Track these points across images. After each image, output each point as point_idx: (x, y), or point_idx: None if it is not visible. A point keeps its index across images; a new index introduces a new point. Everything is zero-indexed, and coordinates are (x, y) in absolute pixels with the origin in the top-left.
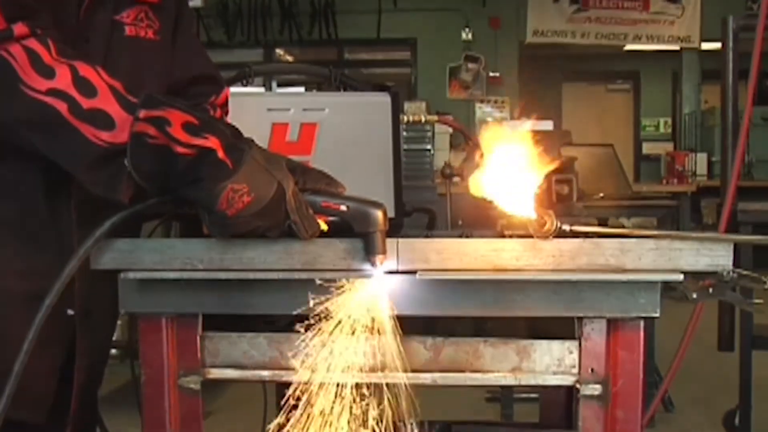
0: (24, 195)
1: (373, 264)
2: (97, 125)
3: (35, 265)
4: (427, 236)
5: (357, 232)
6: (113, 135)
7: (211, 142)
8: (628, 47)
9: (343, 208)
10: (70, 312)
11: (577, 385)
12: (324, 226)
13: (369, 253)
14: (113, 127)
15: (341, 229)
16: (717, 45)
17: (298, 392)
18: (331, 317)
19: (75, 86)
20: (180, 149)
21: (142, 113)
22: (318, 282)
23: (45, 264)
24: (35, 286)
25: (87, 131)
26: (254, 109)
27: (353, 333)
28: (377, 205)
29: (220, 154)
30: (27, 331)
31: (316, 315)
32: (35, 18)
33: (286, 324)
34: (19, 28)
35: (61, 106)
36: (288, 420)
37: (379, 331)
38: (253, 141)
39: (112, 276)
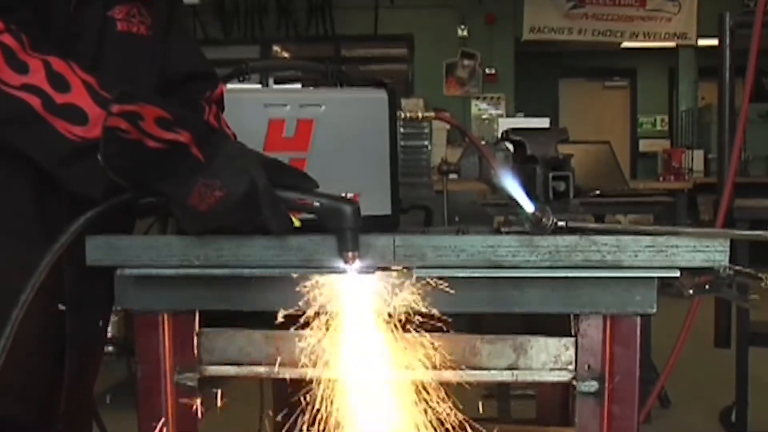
0: (11, 195)
1: (345, 261)
2: (71, 120)
3: (27, 262)
4: (423, 233)
5: (329, 229)
6: (86, 130)
7: (184, 137)
8: (625, 44)
9: (316, 204)
10: (62, 307)
11: (574, 382)
12: (297, 222)
13: (342, 249)
14: (86, 122)
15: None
16: (714, 42)
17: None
18: (326, 314)
19: (48, 81)
20: (152, 144)
21: (115, 108)
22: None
23: (36, 261)
24: (23, 283)
25: (60, 126)
26: (251, 105)
27: (348, 330)
28: (350, 202)
29: (193, 148)
30: (18, 325)
31: (312, 311)
32: (11, 14)
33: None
34: None
35: (35, 101)
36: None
37: (376, 328)
38: (226, 136)
39: (104, 270)
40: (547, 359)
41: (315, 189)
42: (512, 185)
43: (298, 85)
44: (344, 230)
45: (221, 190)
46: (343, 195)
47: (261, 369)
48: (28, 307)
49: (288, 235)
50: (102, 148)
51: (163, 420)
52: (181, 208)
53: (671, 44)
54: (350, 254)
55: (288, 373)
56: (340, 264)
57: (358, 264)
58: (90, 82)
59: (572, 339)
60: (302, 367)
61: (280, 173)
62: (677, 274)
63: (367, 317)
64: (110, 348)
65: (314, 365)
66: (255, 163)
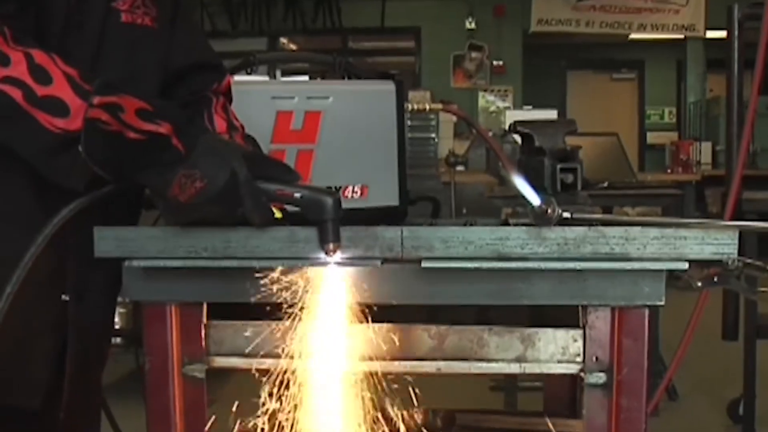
0: (12, 186)
1: (327, 252)
2: (52, 112)
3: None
4: (431, 224)
5: (311, 221)
6: (68, 122)
7: (164, 128)
8: (633, 36)
9: (297, 195)
10: (65, 297)
11: (582, 374)
12: (278, 214)
13: (322, 241)
14: (68, 114)
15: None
16: (722, 34)
17: (297, 380)
18: (335, 305)
19: (30, 74)
20: (132, 135)
21: (96, 100)
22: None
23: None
24: (29, 273)
25: (42, 118)
26: (258, 97)
27: (354, 321)
28: (331, 193)
29: (173, 139)
30: (21, 315)
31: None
32: None
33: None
34: None
35: (16, 94)
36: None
37: (381, 319)
38: (207, 128)
39: (107, 261)
40: (555, 351)
41: (296, 181)
42: (518, 178)
43: (306, 77)
44: (325, 221)
45: (202, 181)
46: (329, 187)
47: (269, 361)
48: (30, 297)
49: (269, 227)
50: (83, 140)
51: (170, 411)
52: (162, 199)
53: (679, 36)
54: (331, 245)
55: (295, 365)
56: (345, 256)
57: (339, 255)
58: (72, 75)
59: (580, 331)
60: (309, 358)
61: (261, 165)
62: (686, 266)
63: (372, 309)
64: (118, 339)
65: (321, 357)
66: (236, 155)
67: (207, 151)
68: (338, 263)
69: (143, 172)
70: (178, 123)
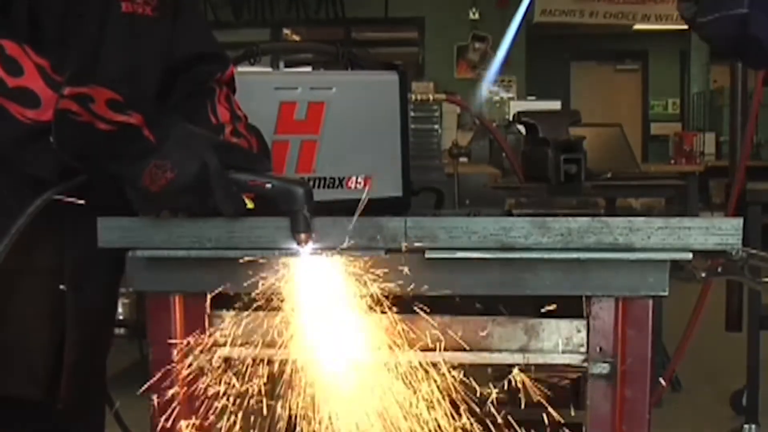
0: (6, 176)
1: (298, 242)
2: (23, 103)
3: (24, 242)
4: (435, 215)
5: (282, 211)
6: (38, 113)
7: (135, 118)
8: (637, 26)
9: (268, 186)
10: (63, 287)
11: (586, 364)
12: (250, 204)
13: (294, 231)
14: (39, 105)
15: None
16: None
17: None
18: (339, 296)
19: (1, 65)
20: (102, 126)
21: (66, 90)
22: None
23: (36, 241)
24: (24, 264)
25: (12, 109)
26: (262, 87)
27: (358, 311)
28: (302, 183)
29: (144, 130)
30: (20, 305)
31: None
32: None
33: None
34: None
35: None
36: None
37: (385, 309)
38: (178, 118)
39: (106, 251)
40: (559, 341)
41: (268, 171)
42: None
43: (309, 68)
44: (296, 212)
45: (172, 172)
46: (332, 178)
47: (273, 351)
48: (28, 287)
49: (240, 217)
50: (54, 131)
51: (174, 401)
52: (134, 189)
53: (683, 27)
54: (302, 236)
55: (299, 355)
56: (350, 245)
57: (311, 246)
58: (43, 66)
59: (584, 321)
60: (313, 349)
61: (232, 155)
62: (690, 256)
63: (379, 299)
64: (122, 330)
65: (325, 347)
66: (207, 146)
67: (178, 142)
68: (340, 254)
69: (114, 163)
70: (149, 114)
